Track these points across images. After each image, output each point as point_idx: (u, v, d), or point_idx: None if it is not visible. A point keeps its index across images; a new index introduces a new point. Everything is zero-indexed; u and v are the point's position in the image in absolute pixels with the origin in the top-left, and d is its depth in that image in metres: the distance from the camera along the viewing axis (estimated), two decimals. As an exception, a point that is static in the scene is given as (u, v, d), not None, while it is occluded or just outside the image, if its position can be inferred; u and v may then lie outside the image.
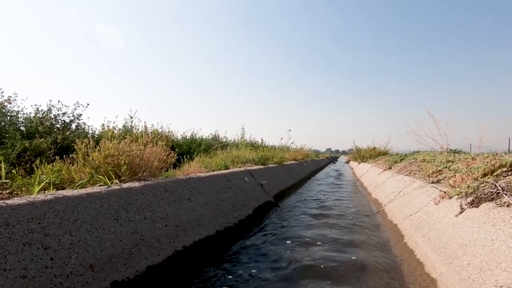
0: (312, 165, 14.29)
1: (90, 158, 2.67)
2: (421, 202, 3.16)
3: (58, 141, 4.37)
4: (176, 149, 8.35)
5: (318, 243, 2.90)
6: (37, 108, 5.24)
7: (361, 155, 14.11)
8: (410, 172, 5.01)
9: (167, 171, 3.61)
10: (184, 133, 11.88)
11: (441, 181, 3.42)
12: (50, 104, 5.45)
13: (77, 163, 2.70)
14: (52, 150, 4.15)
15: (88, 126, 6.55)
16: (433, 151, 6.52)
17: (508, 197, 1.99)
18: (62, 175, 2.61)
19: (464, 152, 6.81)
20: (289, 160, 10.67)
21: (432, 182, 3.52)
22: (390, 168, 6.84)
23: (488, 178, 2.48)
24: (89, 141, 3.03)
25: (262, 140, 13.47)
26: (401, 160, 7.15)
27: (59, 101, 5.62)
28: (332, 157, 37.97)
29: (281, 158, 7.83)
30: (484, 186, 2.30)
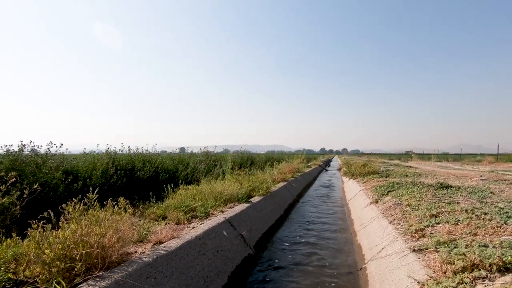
0: (303, 181, 14.18)
1: (42, 250, 2.46)
2: (402, 280, 3.03)
3: (25, 196, 4.12)
4: (162, 174, 8.11)
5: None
6: (7, 150, 5.01)
7: (351, 171, 14.09)
8: (394, 219, 4.93)
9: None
10: (172, 151, 11.63)
11: (422, 251, 3.33)
12: (21, 144, 5.22)
13: (31, 254, 2.49)
14: (18, 206, 3.93)
15: (66, 159, 6.32)
16: (419, 189, 6.47)
17: (484, 325, 1.86)
18: (11, 272, 2.40)
19: (453, 187, 6.76)
20: (277, 182, 10.51)
21: (414, 250, 3.41)
22: (377, 202, 6.76)
23: (467, 277, 2.37)
24: (51, 220, 2.83)
25: (252, 161, 13.35)
26: (388, 192, 7.10)
27: (31, 141, 5.40)
28: (324, 162, 37.41)
29: (267, 188, 7.67)
30: (462, 294, 2.18)
